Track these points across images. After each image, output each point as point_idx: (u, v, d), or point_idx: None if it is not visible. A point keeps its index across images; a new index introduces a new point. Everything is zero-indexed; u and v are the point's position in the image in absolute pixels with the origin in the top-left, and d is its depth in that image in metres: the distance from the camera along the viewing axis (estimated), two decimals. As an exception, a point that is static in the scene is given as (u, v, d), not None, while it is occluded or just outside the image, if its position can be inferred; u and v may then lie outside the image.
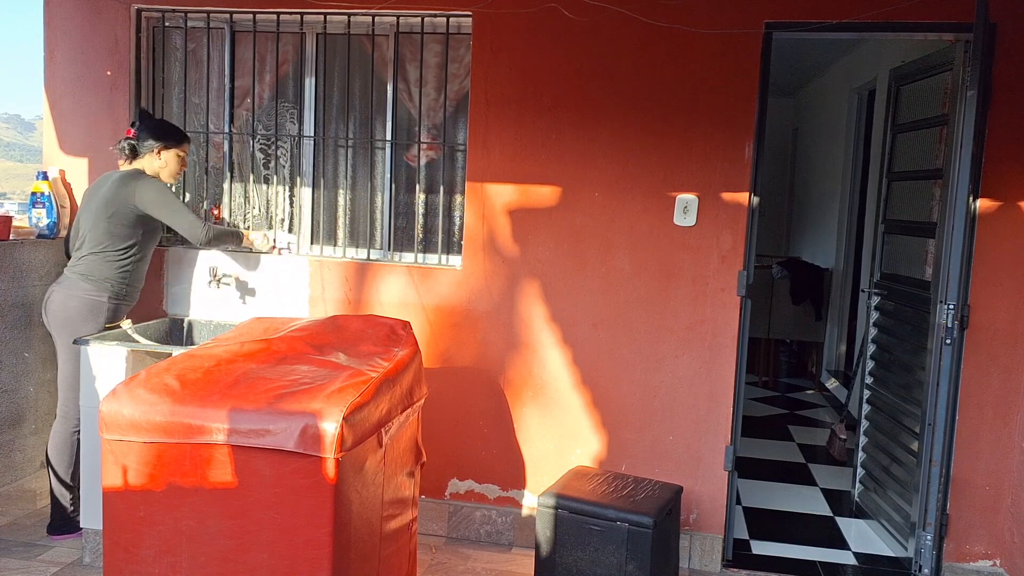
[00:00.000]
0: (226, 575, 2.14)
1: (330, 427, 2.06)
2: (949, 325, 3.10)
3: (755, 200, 3.26)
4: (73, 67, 3.76)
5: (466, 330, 3.50)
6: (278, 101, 3.75)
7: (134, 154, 3.32)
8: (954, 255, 3.05)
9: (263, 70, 3.75)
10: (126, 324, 3.26)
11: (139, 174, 3.29)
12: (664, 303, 3.34)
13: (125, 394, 2.18)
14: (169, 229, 3.71)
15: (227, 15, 3.70)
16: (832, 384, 6.20)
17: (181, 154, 3.40)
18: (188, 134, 3.78)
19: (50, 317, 3.26)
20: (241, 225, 3.82)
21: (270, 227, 3.76)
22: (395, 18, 3.55)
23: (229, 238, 3.45)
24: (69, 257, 3.35)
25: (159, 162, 3.34)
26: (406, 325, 2.91)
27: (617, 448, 3.42)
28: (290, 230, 3.79)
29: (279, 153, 3.78)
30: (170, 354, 2.95)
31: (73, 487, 3.30)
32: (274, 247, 3.68)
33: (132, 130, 3.33)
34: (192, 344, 3.55)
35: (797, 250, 7.97)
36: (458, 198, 3.62)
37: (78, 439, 3.23)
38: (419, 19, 3.53)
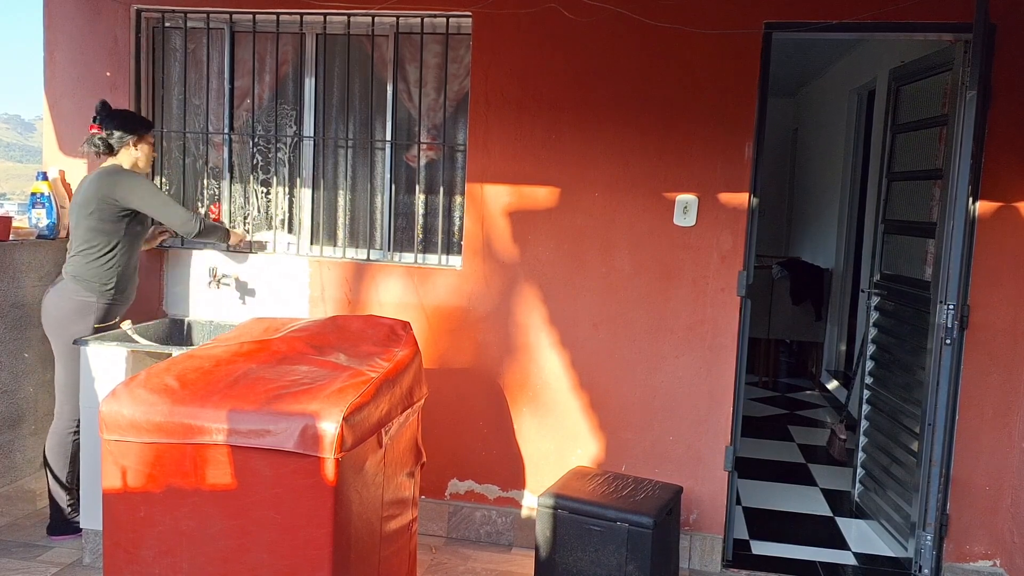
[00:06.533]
0: (226, 575, 2.14)
1: (330, 427, 2.06)
2: (949, 325, 3.11)
3: (755, 200, 3.26)
4: (73, 68, 3.76)
5: (466, 330, 3.49)
6: (278, 102, 3.75)
7: (110, 150, 3.25)
8: (954, 255, 3.06)
9: (263, 71, 3.75)
10: (126, 325, 3.26)
11: (118, 170, 3.22)
12: (664, 303, 3.34)
13: (125, 394, 2.18)
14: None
15: (227, 16, 3.70)
16: (832, 384, 6.20)
17: (151, 141, 3.36)
18: (187, 134, 3.80)
19: (44, 318, 3.26)
20: (240, 227, 3.81)
21: (269, 227, 3.76)
22: (395, 18, 3.55)
23: (217, 232, 3.43)
24: None
25: (136, 153, 3.28)
26: (406, 325, 2.91)
27: (617, 448, 3.42)
28: (290, 231, 3.79)
29: (279, 154, 3.78)
30: (170, 354, 2.95)
31: (71, 488, 3.29)
32: (242, 239, 3.61)
33: (96, 125, 3.23)
34: (192, 344, 3.55)
35: (797, 250, 7.97)
36: (458, 198, 3.62)
37: (75, 440, 3.23)
38: (419, 19, 3.53)
